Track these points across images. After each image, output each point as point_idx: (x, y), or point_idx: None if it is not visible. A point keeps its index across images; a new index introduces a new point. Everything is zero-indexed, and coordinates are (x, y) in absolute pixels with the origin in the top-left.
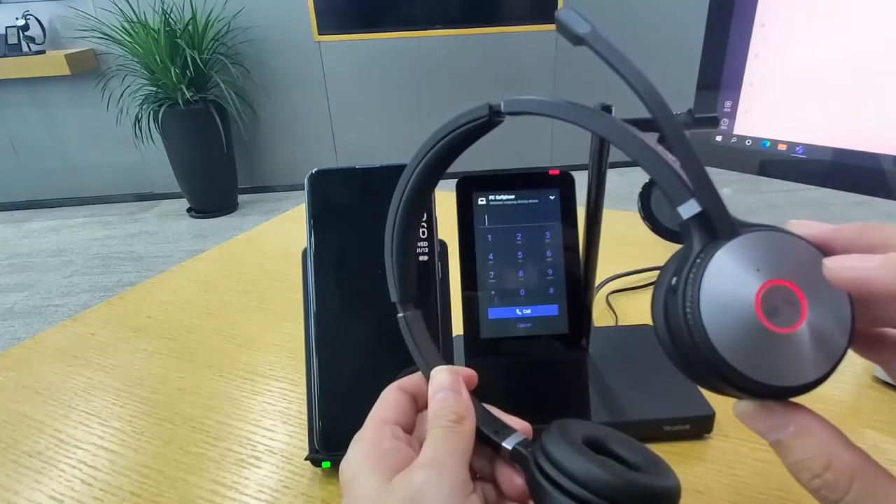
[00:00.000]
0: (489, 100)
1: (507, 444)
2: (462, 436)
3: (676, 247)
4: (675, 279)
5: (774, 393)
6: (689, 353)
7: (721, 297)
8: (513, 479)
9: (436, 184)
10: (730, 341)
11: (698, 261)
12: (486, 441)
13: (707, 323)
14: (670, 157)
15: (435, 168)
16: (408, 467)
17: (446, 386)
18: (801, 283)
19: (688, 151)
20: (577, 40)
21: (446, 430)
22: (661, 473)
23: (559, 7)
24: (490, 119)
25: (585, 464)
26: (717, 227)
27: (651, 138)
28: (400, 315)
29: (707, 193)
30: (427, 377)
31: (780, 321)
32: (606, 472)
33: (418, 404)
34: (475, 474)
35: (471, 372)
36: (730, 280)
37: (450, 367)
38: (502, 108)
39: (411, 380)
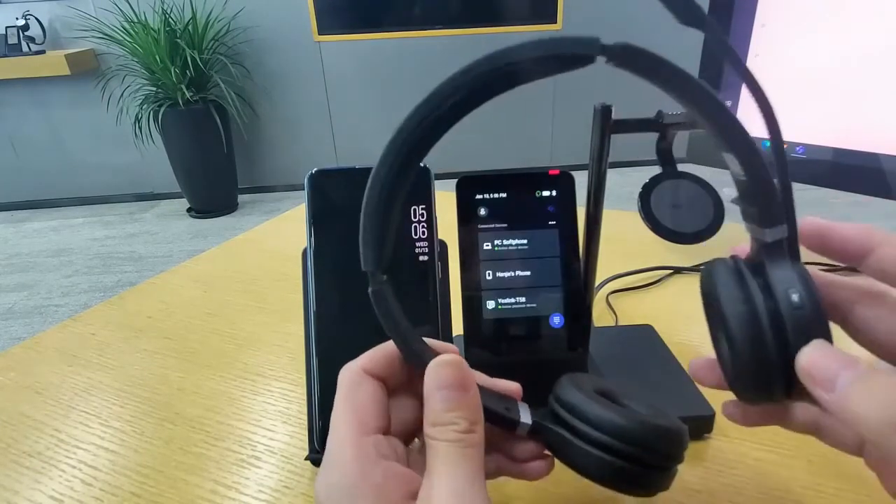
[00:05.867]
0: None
1: (526, 420)
2: (477, 448)
3: (676, 247)
4: (796, 296)
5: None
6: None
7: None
8: (526, 447)
9: (440, 135)
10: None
11: (808, 279)
12: (499, 422)
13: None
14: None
15: (454, 109)
16: (410, 494)
17: (452, 383)
18: None
19: (785, 178)
20: (691, 20)
21: (459, 446)
22: (670, 417)
23: (559, 7)
24: (588, 58)
25: (612, 415)
26: (796, 251)
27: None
28: (375, 289)
29: (794, 221)
30: (402, 349)
31: None
32: (636, 420)
33: (388, 385)
34: None
35: (453, 348)
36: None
37: (449, 356)
38: (616, 51)
39: (377, 358)
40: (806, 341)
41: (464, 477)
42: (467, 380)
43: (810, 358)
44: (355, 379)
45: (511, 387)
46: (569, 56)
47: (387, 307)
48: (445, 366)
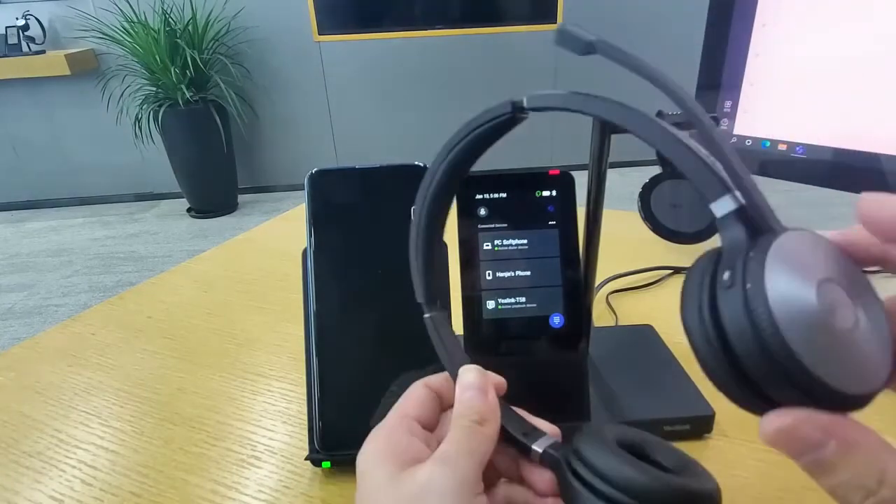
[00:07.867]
0: (490, 100)
1: (538, 447)
2: (481, 437)
3: (676, 247)
4: (727, 273)
5: (842, 402)
6: (749, 354)
7: (785, 292)
8: (544, 478)
9: (458, 184)
10: (801, 339)
11: (752, 255)
12: (514, 444)
13: (779, 319)
14: (704, 152)
15: (457, 168)
16: (419, 463)
17: (474, 385)
18: (846, 285)
19: (723, 144)
20: (587, 48)
21: (467, 429)
22: (698, 476)
23: (559, 7)
24: (513, 116)
25: (620, 466)
26: (759, 222)
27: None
28: (427, 316)
29: (747, 188)
30: (454, 376)
31: (840, 321)
32: (642, 474)
33: (443, 403)
34: (498, 476)
35: (501, 379)
36: (791, 276)
37: (479, 367)
38: (525, 104)
39: (439, 377)
40: (752, 327)
41: (459, 449)
42: (487, 385)
43: (776, 431)
44: (415, 385)
45: (549, 426)
46: (491, 124)
47: (438, 332)
48: (471, 372)
